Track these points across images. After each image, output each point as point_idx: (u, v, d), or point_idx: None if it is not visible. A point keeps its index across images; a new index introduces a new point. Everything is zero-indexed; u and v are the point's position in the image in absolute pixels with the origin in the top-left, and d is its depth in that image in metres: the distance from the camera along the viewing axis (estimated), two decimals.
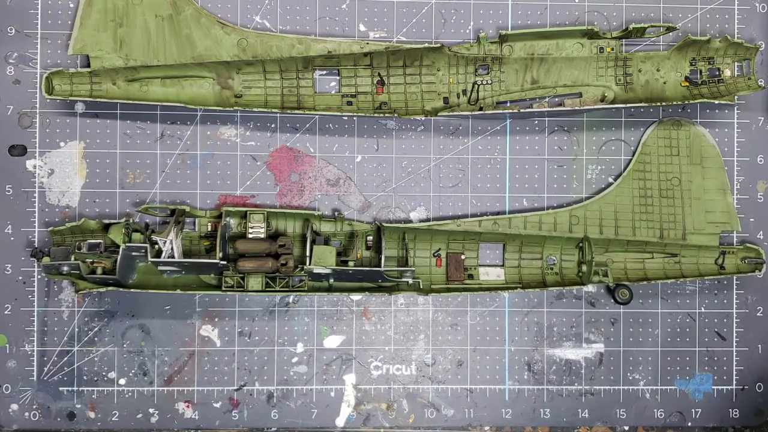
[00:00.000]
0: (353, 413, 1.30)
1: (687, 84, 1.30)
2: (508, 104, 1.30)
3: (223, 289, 1.23)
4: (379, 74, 1.29)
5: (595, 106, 1.28)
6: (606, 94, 1.30)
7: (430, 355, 1.31)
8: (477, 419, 1.31)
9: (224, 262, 1.20)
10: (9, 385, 1.27)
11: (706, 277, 1.28)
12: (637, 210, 1.30)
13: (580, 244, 1.29)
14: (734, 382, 1.33)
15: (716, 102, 1.26)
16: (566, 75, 1.30)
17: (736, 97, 1.26)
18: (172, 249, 1.20)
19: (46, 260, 1.17)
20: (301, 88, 1.28)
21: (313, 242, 1.21)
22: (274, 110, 1.25)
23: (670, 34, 1.31)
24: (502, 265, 1.30)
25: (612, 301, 1.32)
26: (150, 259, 1.17)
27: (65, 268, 1.17)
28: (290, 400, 1.30)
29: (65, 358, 1.27)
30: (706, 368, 1.32)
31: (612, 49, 1.29)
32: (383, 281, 1.24)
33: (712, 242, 1.29)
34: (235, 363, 1.29)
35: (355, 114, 1.26)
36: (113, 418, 1.28)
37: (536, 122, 1.32)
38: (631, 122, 1.33)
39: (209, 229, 1.27)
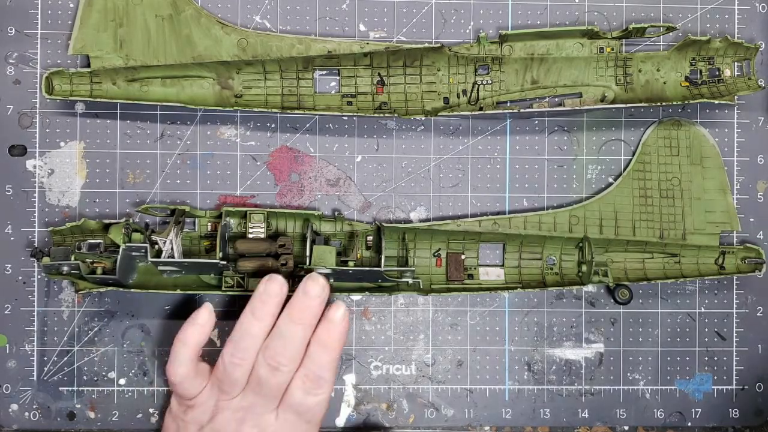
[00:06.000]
0: (353, 413, 1.30)
1: (687, 84, 1.30)
2: (508, 104, 1.29)
3: (223, 289, 1.23)
4: (379, 74, 1.29)
5: (595, 106, 1.28)
6: (606, 94, 1.30)
7: (430, 355, 1.31)
8: (477, 419, 1.31)
9: (224, 262, 1.20)
10: (9, 385, 1.27)
11: (706, 277, 1.28)
12: (637, 210, 1.30)
13: (580, 244, 1.29)
14: (734, 382, 1.33)
15: (716, 102, 1.25)
16: (566, 75, 1.30)
17: (736, 97, 1.26)
18: (172, 249, 1.20)
19: (46, 260, 1.17)
20: (301, 88, 1.28)
21: (313, 242, 1.21)
22: (274, 110, 1.25)
23: (670, 34, 1.31)
24: (502, 265, 1.30)
25: (612, 301, 1.32)
26: (150, 259, 1.17)
27: (65, 268, 1.16)
28: None
29: (65, 358, 1.27)
30: (706, 368, 1.32)
31: (612, 49, 1.29)
32: (383, 281, 1.24)
33: (712, 242, 1.29)
34: None
35: (355, 114, 1.26)
36: (113, 418, 1.28)
37: (536, 122, 1.32)
38: (631, 122, 1.33)
39: (209, 229, 1.27)
